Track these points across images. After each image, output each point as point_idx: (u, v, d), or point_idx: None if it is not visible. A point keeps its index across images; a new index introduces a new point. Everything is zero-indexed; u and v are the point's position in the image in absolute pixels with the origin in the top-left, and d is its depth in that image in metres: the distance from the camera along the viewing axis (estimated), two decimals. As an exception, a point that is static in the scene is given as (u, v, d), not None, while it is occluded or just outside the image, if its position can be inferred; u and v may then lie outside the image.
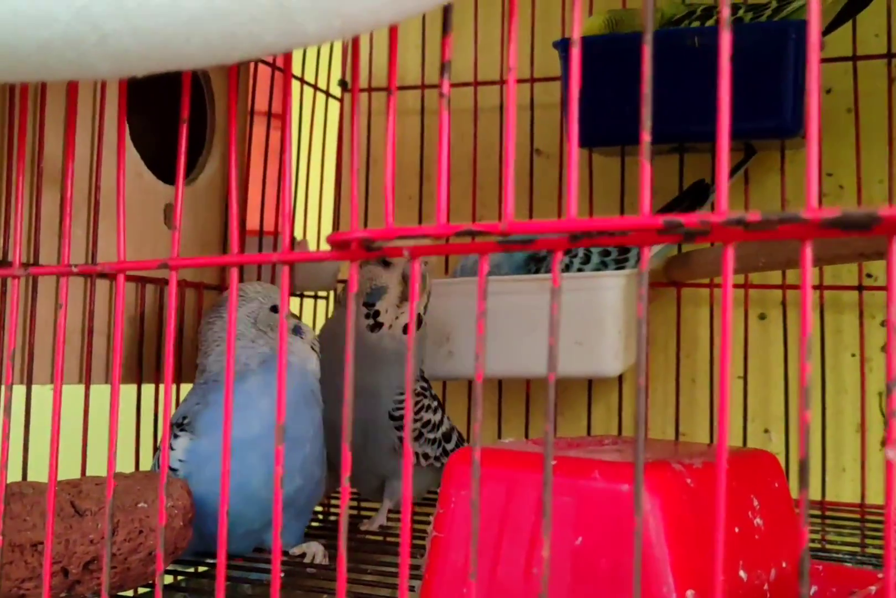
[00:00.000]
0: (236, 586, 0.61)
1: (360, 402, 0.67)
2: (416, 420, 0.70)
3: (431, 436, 0.72)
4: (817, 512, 0.77)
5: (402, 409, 0.69)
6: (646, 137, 0.29)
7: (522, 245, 0.36)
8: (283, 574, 0.59)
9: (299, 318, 0.71)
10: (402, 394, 0.69)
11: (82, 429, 0.62)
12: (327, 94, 0.92)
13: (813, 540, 0.73)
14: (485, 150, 0.90)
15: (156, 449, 0.67)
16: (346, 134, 0.95)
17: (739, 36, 0.73)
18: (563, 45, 0.77)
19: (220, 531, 0.34)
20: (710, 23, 0.76)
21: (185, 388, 0.68)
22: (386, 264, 0.69)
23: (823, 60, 0.80)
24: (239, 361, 0.62)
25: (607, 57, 0.75)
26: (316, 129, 0.91)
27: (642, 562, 0.39)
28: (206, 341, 0.64)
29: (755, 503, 0.45)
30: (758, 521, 0.44)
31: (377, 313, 0.69)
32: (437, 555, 0.44)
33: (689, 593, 0.38)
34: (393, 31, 0.35)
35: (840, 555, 0.70)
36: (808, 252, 0.29)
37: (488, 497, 0.42)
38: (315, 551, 0.62)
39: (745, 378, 0.82)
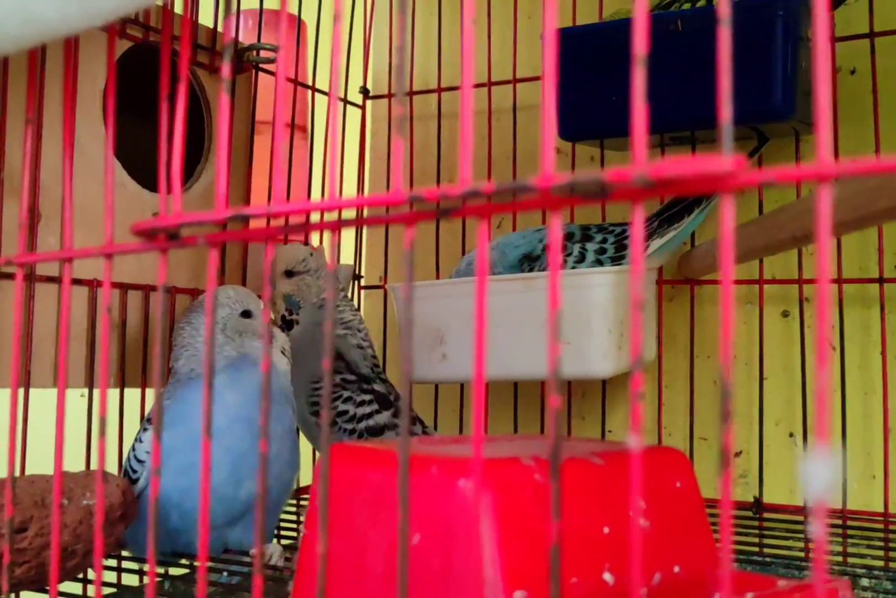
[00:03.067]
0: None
1: (297, 403, 0.70)
2: (331, 408, 0.71)
3: (349, 426, 0.73)
4: (837, 522, 0.72)
5: (315, 395, 0.75)
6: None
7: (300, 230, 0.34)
8: (239, 578, 0.59)
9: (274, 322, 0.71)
10: (315, 382, 0.75)
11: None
12: (345, 101, 0.92)
13: (835, 553, 0.68)
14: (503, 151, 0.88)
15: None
16: (368, 141, 0.95)
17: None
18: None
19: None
20: (700, 4, 0.72)
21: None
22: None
23: (838, 39, 0.75)
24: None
25: (589, 49, 0.73)
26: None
27: (469, 562, 0.37)
28: (176, 346, 0.65)
29: (641, 503, 0.42)
30: (641, 522, 0.41)
31: None
32: (305, 551, 0.43)
33: (518, 594, 0.36)
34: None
35: (859, 570, 0.66)
36: (557, 224, 0.27)
37: (341, 494, 0.41)
38: (273, 551, 0.61)
39: (760, 380, 0.77)
